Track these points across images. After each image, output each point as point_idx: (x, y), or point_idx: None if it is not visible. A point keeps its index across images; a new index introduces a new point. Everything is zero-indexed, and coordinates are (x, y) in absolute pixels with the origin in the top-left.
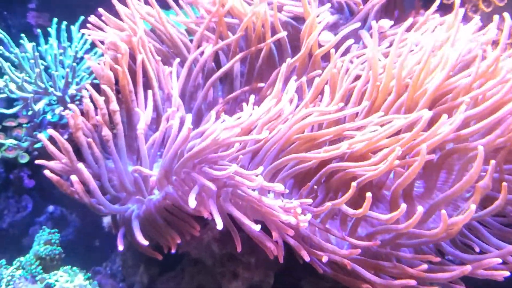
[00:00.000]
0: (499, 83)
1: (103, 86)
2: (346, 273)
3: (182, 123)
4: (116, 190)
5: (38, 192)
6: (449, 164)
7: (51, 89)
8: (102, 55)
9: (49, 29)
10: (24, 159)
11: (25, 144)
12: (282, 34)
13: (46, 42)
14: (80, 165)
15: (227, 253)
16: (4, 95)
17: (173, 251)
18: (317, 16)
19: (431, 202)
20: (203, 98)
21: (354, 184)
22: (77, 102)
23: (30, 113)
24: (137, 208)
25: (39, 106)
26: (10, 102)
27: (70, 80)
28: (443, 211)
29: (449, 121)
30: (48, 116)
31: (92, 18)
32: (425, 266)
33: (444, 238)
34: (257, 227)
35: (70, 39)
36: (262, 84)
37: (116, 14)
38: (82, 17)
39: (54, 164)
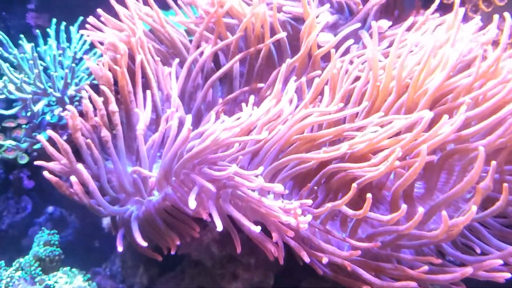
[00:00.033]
0: (500, 83)
1: (102, 87)
2: (346, 275)
3: (181, 123)
4: (116, 191)
5: (38, 193)
6: (449, 165)
7: (50, 90)
8: (101, 55)
9: (48, 29)
10: (24, 160)
11: (25, 145)
12: (282, 34)
13: (45, 42)
14: (79, 166)
15: (227, 255)
16: (3, 96)
17: (172, 252)
18: (317, 17)
19: (431, 203)
20: (202, 98)
21: (354, 185)
22: (76, 103)
23: (29, 114)
24: (136, 209)
25: (38, 107)
26: (9, 103)
27: (69, 81)
28: (444, 212)
29: (449, 121)
30: (47, 117)
31: (91, 19)
32: (425, 267)
33: (445, 239)
34: (257, 229)
35: (69, 39)
36: (261, 85)
37: (115, 15)
38: (81, 18)
39: (53, 165)
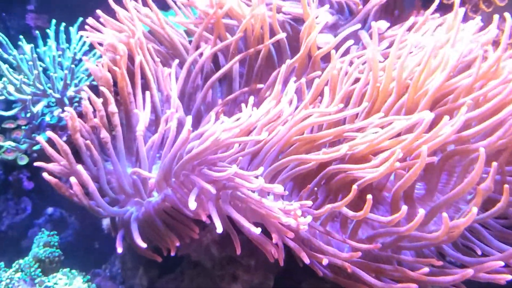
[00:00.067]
0: (501, 84)
1: (101, 88)
2: (347, 276)
3: (180, 124)
4: (115, 192)
5: (37, 194)
6: (450, 166)
7: (49, 91)
8: (100, 56)
9: (47, 30)
10: (23, 161)
11: (24, 146)
12: (281, 35)
13: (45, 43)
14: (79, 167)
15: (227, 256)
16: (2, 97)
17: (172, 253)
18: (316, 17)
19: (432, 205)
20: (202, 99)
21: (354, 186)
22: (76, 104)
23: (28, 115)
24: (136, 211)
25: (38, 108)
26: (8, 104)
27: (68, 82)
28: (445, 214)
29: (450, 122)
30: (47, 118)
31: (90, 20)
32: (426, 269)
33: (446, 241)
34: (257, 230)
35: (68, 40)
36: (261, 85)
37: (115, 16)
38: (80, 19)
39: (52, 166)
